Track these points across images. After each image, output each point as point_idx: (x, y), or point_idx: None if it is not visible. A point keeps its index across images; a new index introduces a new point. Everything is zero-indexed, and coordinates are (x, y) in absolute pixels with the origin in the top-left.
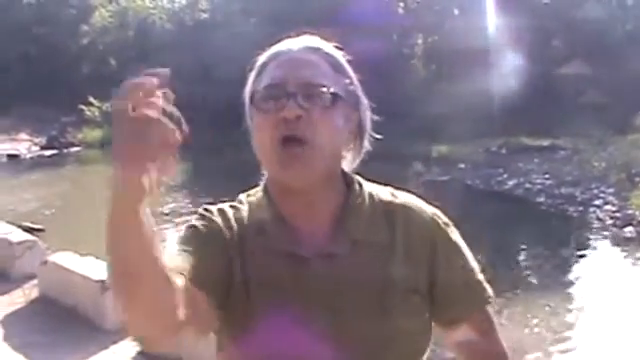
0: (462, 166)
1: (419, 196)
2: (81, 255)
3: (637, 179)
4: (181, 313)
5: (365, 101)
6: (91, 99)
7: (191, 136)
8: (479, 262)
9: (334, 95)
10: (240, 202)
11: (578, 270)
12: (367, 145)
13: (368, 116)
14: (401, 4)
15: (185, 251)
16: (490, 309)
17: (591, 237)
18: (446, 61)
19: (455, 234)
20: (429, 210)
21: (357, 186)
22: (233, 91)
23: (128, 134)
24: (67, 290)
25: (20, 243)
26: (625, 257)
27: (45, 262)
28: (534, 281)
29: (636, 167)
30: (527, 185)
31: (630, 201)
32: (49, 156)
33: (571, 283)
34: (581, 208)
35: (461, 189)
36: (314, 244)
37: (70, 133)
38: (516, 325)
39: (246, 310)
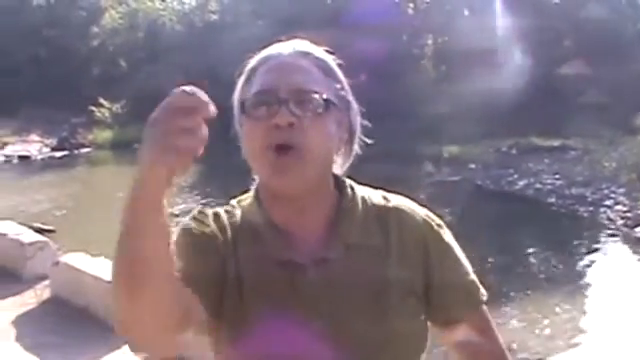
0: (473, 166)
1: (411, 198)
2: (92, 256)
3: None
4: (179, 315)
5: (355, 105)
6: (101, 100)
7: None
8: (490, 262)
9: (326, 101)
10: (233, 207)
11: (588, 270)
12: (357, 149)
13: (358, 120)
14: (411, 4)
15: (179, 252)
16: (485, 309)
17: (602, 237)
18: (456, 61)
19: (448, 235)
20: (421, 212)
21: (349, 190)
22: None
23: (171, 131)
24: (79, 291)
25: (32, 244)
26: (636, 257)
27: (57, 263)
28: (544, 281)
29: None
30: (537, 185)
31: None
32: (60, 157)
33: (582, 283)
34: (592, 208)
35: (472, 189)
36: (308, 249)
37: (80, 134)
38: (526, 325)
39: (240, 314)
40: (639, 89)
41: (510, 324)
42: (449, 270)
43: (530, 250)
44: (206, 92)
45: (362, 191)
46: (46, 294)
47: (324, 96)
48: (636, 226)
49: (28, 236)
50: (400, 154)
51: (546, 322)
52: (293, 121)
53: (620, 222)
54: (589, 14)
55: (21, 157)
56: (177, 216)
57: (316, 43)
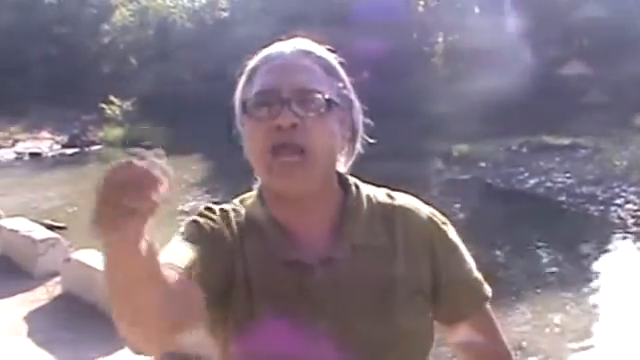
0: (483, 165)
1: (419, 196)
2: None
3: None
4: (178, 315)
5: (358, 104)
6: (112, 98)
7: (212, 134)
8: (500, 261)
9: (328, 101)
10: (237, 206)
11: (599, 269)
12: (360, 147)
13: (361, 119)
14: (421, 2)
15: (187, 246)
16: (489, 308)
17: (612, 236)
18: (466, 60)
19: (453, 233)
20: (426, 210)
21: (354, 188)
22: None
23: (119, 213)
24: (90, 287)
25: (43, 241)
26: None
27: (68, 259)
28: (554, 280)
29: None
30: (548, 184)
31: None
32: (71, 154)
33: (592, 282)
34: (602, 207)
35: (482, 188)
36: (313, 249)
37: (91, 132)
38: (536, 324)
39: (247, 313)
40: None
41: (520, 323)
42: (455, 268)
43: (540, 249)
44: (163, 157)
45: (366, 189)
46: (57, 290)
47: (326, 96)
48: None
49: (39, 233)
50: (410, 152)
51: (556, 321)
52: (296, 122)
53: (631, 221)
54: (596, 13)
55: (32, 154)
56: (187, 213)
57: (317, 41)
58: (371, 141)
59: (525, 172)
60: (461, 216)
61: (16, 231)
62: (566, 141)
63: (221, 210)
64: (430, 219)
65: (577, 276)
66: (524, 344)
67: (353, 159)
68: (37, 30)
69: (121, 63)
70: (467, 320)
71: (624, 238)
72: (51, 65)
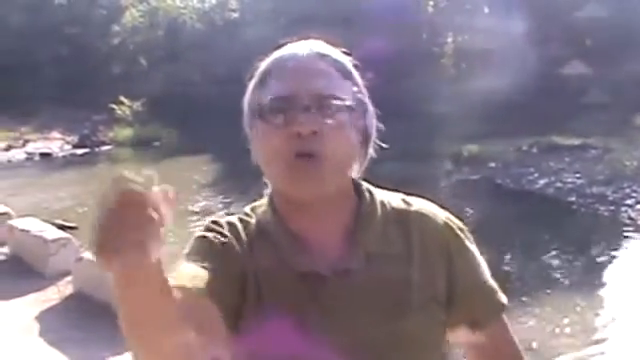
0: (492, 165)
1: (430, 197)
2: None
3: None
4: (194, 338)
5: (371, 108)
6: (122, 98)
7: (222, 135)
8: (510, 261)
9: (348, 107)
10: (248, 215)
11: (609, 270)
12: (372, 152)
13: (374, 123)
14: (431, 3)
15: (197, 263)
16: (504, 316)
17: (623, 237)
18: (476, 60)
19: (470, 240)
20: (443, 215)
21: (367, 194)
22: None
23: (119, 236)
24: (101, 287)
25: (55, 240)
26: None
27: (79, 259)
28: (564, 281)
29: None
30: (558, 184)
31: None
32: (81, 155)
33: (602, 283)
34: (612, 207)
35: (492, 188)
36: (327, 258)
37: (101, 132)
38: (546, 325)
39: (258, 326)
40: None
41: (530, 323)
42: (472, 276)
43: (550, 249)
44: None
45: (380, 195)
46: (69, 290)
47: (347, 102)
48: None
49: (51, 233)
50: (419, 153)
51: (566, 321)
52: (316, 129)
53: None
54: (599, 14)
55: (42, 154)
56: (197, 214)
57: (331, 43)
58: (384, 146)
59: (535, 172)
60: (471, 217)
61: (27, 231)
62: (576, 141)
63: (229, 224)
64: (447, 225)
65: (587, 277)
66: (534, 345)
67: (365, 164)
68: (47, 31)
69: (131, 64)
70: (483, 330)
71: (635, 238)
72: (61, 66)
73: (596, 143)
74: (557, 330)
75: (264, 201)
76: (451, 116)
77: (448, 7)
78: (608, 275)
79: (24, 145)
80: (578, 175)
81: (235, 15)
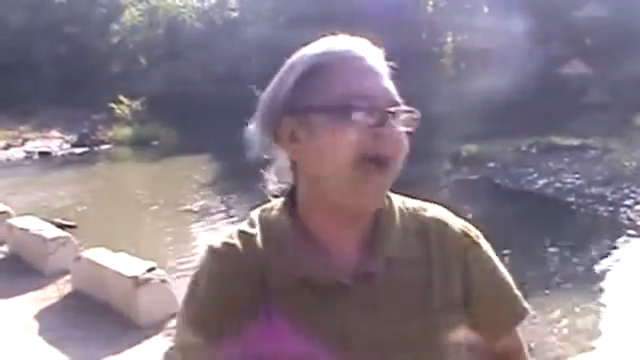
0: (491, 165)
1: (447, 207)
2: (114, 251)
3: None
4: None
5: None
6: (121, 97)
7: (221, 134)
8: (508, 261)
9: (416, 120)
10: (252, 225)
11: (608, 271)
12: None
13: None
14: (430, 2)
15: (208, 286)
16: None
17: (622, 237)
18: (475, 59)
19: (487, 247)
20: (459, 223)
21: (386, 199)
22: (263, 89)
23: None
24: (100, 286)
25: (54, 239)
26: None
27: (79, 258)
28: (563, 281)
29: None
30: (557, 185)
31: None
32: (80, 154)
33: (601, 284)
34: (612, 208)
35: (491, 188)
36: (347, 265)
37: (100, 131)
38: (545, 325)
39: (274, 343)
40: None
41: (528, 323)
42: (489, 284)
43: (549, 249)
44: None
45: (397, 200)
46: (68, 289)
47: (416, 115)
48: None
49: (50, 231)
50: (418, 153)
51: (565, 322)
52: (400, 137)
53: None
54: (598, 13)
55: (42, 153)
56: (196, 213)
57: (376, 44)
58: None
59: (534, 173)
60: (470, 217)
61: (27, 230)
62: (575, 142)
63: (240, 236)
64: (464, 232)
65: (586, 277)
66: (532, 345)
67: None
68: (47, 30)
69: (130, 63)
70: (502, 338)
71: (634, 239)
72: (61, 64)
73: (595, 143)
74: (556, 331)
75: (276, 204)
76: (450, 116)
77: (448, 7)
78: (607, 276)
79: (23, 144)
80: (577, 175)
81: (235, 14)
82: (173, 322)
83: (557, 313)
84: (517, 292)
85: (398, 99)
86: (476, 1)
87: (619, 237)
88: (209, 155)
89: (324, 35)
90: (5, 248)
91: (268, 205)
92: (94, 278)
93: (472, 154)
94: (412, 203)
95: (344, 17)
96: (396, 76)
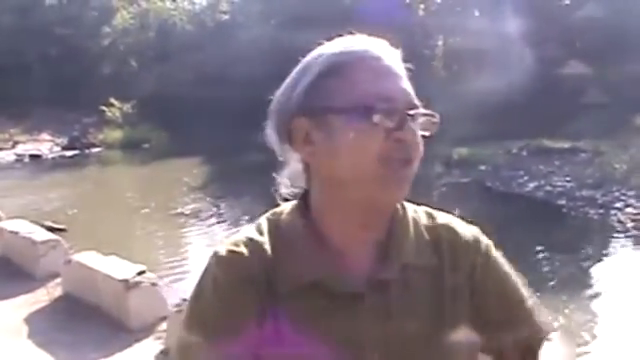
0: (482, 168)
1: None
2: (104, 254)
3: None
4: None
5: None
6: (112, 100)
7: (212, 137)
8: None
9: (435, 125)
10: (260, 229)
11: (599, 273)
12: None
13: None
14: (422, 5)
15: (215, 296)
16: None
17: (612, 240)
18: (467, 62)
19: (498, 256)
20: (471, 231)
21: (400, 206)
22: (254, 92)
23: None
24: (91, 289)
25: (44, 242)
26: None
27: (69, 261)
28: (554, 284)
29: None
30: (548, 187)
31: None
32: (70, 156)
33: (591, 286)
34: (602, 211)
35: (481, 191)
36: (361, 272)
37: (91, 134)
38: None
39: (285, 354)
40: None
41: None
42: (501, 294)
43: (540, 252)
44: None
45: (410, 208)
46: (58, 292)
47: (435, 119)
48: None
49: (40, 235)
50: None
51: (555, 325)
52: (418, 139)
53: (631, 224)
54: (593, 13)
55: (32, 156)
56: (187, 216)
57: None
58: None
59: (525, 175)
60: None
61: (17, 233)
62: (566, 144)
63: (248, 243)
64: (475, 240)
65: (577, 280)
66: None
67: None
68: (38, 32)
69: (121, 65)
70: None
71: (624, 241)
72: (52, 67)
73: (586, 146)
74: None
75: (288, 209)
76: (442, 119)
77: (439, 9)
78: (597, 277)
79: (13, 147)
80: (568, 178)
81: (226, 17)
82: (164, 325)
83: (548, 316)
84: (531, 305)
85: (417, 101)
86: (467, 4)
87: (609, 239)
88: (200, 158)
89: (315, 38)
90: None
91: (278, 209)
92: (84, 281)
93: (463, 157)
94: (424, 211)
95: (335, 20)
96: None
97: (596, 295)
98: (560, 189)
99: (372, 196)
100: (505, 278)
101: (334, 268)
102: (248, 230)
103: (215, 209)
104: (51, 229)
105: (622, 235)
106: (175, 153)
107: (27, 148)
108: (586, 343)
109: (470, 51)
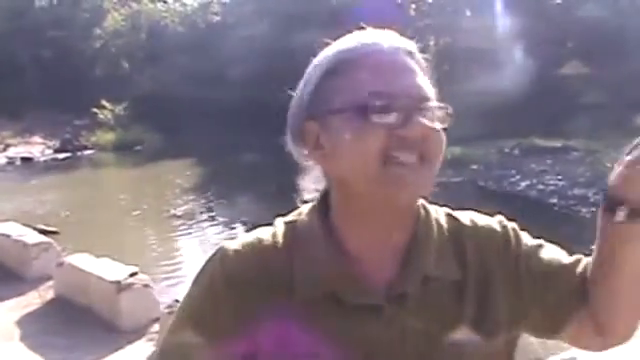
0: (475, 167)
1: (476, 209)
2: (96, 257)
3: None
4: None
5: None
6: (104, 102)
7: (205, 138)
8: None
9: (448, 115)
10: (274, 234)
11: None
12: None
13: None
14: (413, 5)
15: (212, 304)
16: None
17: None
18: (458, 62)
19: (525, 236)
20: (493, 221)
21: (423, 211)
22: (246, 93)
23: None
24: (82, 291)
25: (36, 245)
26: None
27: (61, 263)
28: None
29: None
30: (540, 186)
31: None
32: (62, 159)
33: None
34: (594, 209)
35: (474, 190)
36: (382, 284)
37: (83, 136)
38: None
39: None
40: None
41: None
42: (551, 271)
43: None
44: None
45: (433, 211)
46: (50, 294)
47: (449, 110)
48: None
49: (32, 237)
50: None
51: None
52: (428, 134)
53: None
54: (589, 13)
55: (24, 159)
56: (180, 217)
57: (407, 31)
58: None
59: (517, 174)
60: None
61: (8, 236)
62: (558, 143)
63: (255, 246)
64: (502, 235)
65: None
66: (519, 344)
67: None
68: (30, 34)
69: (113, 67)
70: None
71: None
72: (43, 69)
73: (578, 145)
74: None
75: (304, 213)
76: None
77: (430, 10)
78: None
79: (5, 149)
80: (560, 177)
81: (217, 18)
82: (156, 327)
83: None
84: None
85: (427, 94)
86: (459, 4)
87: None
88: (193, 159)
89: (305, 39)
90: None
91: (297, 211)
92: (76, 283)
93: (456, 156)
94: (445, 213)
95: (326, 20)
96: None
97: None
98: (552, 188)
99: (376, 199)
100: (546, 254)
101: (351, 276)
102: (261, 231)
103: (208, 211)
104: (43, 232)
105: None
106: (168, 155)
107: (19, 151)
108: None
109: (462, 51)
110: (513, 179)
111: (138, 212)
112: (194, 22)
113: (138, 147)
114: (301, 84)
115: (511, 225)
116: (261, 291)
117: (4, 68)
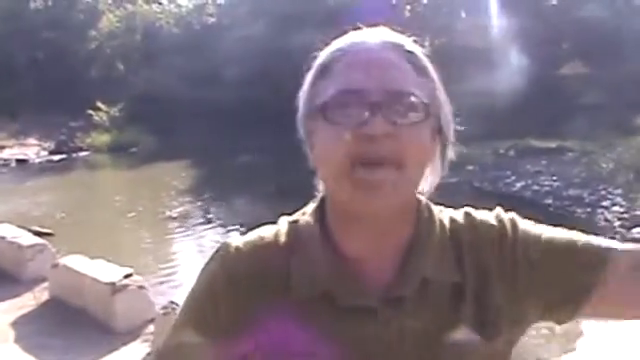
0: (470, 168)
1: (473, 206)
2: (91, 258)
3: None
4: None
5: (448, 106)
6: (99, 104)
7: (200, 140)
8: None
9: (426, 106)
10: (276, 233)
11: None
12: (452, 156)
13: (451, 126)
14: (408, 6)
15: (211, 304)
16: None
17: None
18: (454, 63)
19: (526, 225)
20: (490, 217)
21: (426, 212)
22: (242, 94)
23: None
24: (77, 292)
25: (31, 246)
26: None
27: (56, 265)
28: None
29: None
30: (535, 187)
31: (638, 202)
32: (58, 161)
33: None
34: (589, 210)
35: (469, 191)
36: (378, 287)
37: (78, 138)
38: None
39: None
40: (637, 90)
41: None
42: (539, 259)
43: None
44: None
45: (439, 212)
46: (45, 296)
47: (425, 100)
48: (633, 227)
49: (27, 239)
50: None
51: (544, 323)
52: (390, 131)
53: (617, 223)
54: (587, 14)
55: (19, 161)
56: (175, 219)
57: (402, 32)
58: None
59: (512, 175)
60: None
61: (3, 237)
62: (553, 144)
63: (252, 247)
64: (499, 230)
65: None
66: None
67: (440, 175)
68: (25, 35)
69: (108, 68)
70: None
71: (611, 240)
72: (38, 70)
73: (573, 146)
74: (534, 333)
75: (307, 214)
76: None
77: (425, 10)
78: None
79: (0, 151)
80: (555, 178)
81: (212, 19)
82: (151, 328)
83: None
84: (586, 239)
85: (404, 89)
86: (454, 4)
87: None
88: (188, 161)
89: (301, 39)
90: None
91: (301, 210)
92: (71, 285)
93: (451, 157)
94: (448, 215)
95: (321, 21)
96: None
97: None
98: (547, 189)
99: (346, 203)
100: (540, 237)
101: (347, 277)
102: (264, 229)
103: (203, 212)
104: (38, 233)
105: (609, 233)
106: (163, 156)
107: (13, 153)
108: (575, 342)
109: (457, 52)
110: (508, 180)
111: (133, 214)
112: (189, 23)
113: (133, 149)
114: (303, 85)
115: (508, 216)
116: (259, 289)
117: None
